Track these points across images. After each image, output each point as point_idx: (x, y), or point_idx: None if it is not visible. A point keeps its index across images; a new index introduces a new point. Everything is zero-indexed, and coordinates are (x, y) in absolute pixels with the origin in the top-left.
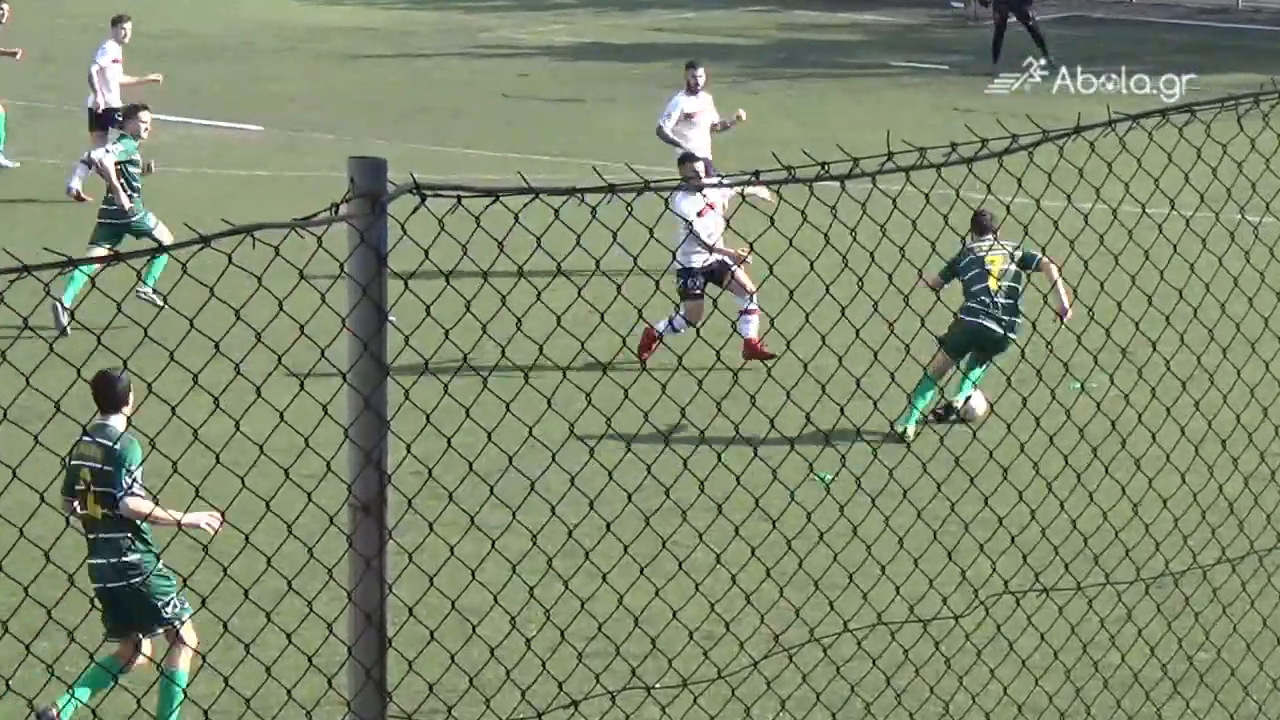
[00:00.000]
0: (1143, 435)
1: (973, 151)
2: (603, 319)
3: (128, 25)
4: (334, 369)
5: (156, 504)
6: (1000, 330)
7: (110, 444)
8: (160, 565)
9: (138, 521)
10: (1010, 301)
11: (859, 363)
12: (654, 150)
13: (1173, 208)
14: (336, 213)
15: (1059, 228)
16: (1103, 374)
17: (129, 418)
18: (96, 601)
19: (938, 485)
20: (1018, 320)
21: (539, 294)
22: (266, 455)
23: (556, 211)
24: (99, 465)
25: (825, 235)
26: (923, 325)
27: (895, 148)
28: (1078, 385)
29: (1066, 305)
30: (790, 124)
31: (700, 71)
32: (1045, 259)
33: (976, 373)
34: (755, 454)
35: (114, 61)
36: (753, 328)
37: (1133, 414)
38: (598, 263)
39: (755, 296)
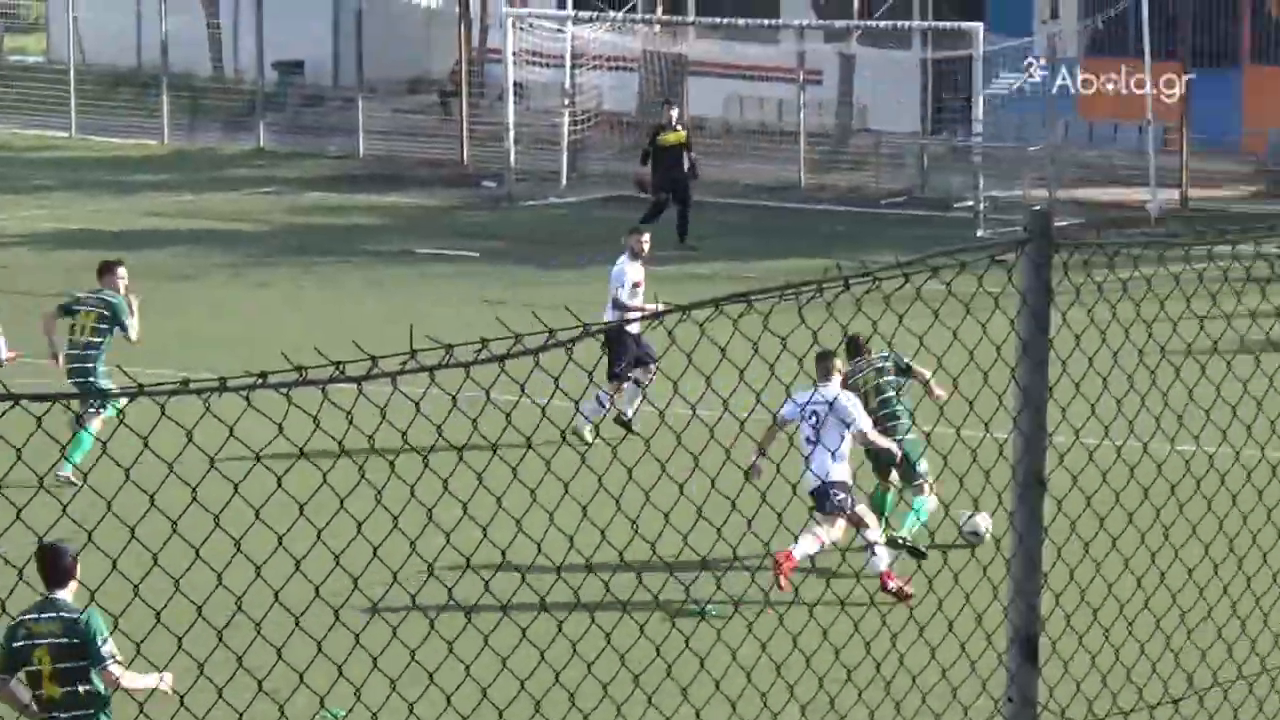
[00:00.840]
0: None
1: (506, 348)
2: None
3: None
4: None
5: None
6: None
7: (73, 617)
8: None
9: (104, 694)
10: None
11: None
12: (146, 347)
13: (725, 409)
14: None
15: (599, 432)
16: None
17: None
18: None
19: None
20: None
21: None
22: None
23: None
24: (61, 641)
25: (340, 444)
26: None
27: (419, 344)
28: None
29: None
30: (301, 318)
31: (647, 237)
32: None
33: (918, 501)
34: None
35: None
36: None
37: None
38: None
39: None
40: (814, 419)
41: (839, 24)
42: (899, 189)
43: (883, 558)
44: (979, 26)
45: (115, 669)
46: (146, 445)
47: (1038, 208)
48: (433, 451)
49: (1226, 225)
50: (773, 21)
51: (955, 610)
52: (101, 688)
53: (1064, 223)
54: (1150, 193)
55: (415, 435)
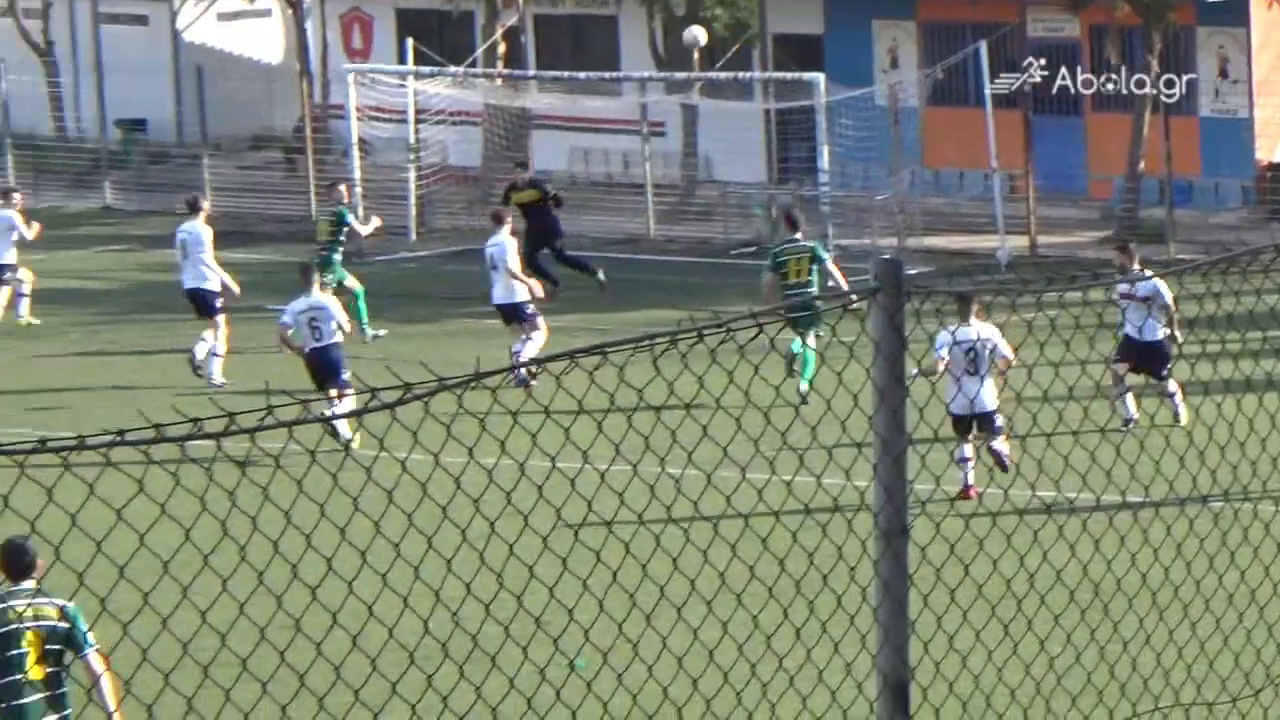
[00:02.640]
0: None
1: (363, 403)
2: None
3: None
4: None
5: None
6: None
7: (62, 602)
8: None
9: (64, 680)
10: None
11: None
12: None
13: (585, 461)
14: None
15: (460, 485)
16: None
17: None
18: None
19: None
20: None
21: None
22: None
23: None
24: (54, 624)
25: (201, 500)
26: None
27: (275, 400)
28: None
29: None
30: (157, 375)
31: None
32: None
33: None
34: None
35: None
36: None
37: None
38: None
39: None
40: (971, 353)
41: (680, 76)
42: (748, 239)
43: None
44: (819, 77)
45: (99, 654)
46: (6, 504)
47: (888, 256)
48: (293, 507)
49: (1076, 271)
50: (614, 75)
51: (825, 659)
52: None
53: (914, 271)
54: (998, 240)
55: (275, 491)
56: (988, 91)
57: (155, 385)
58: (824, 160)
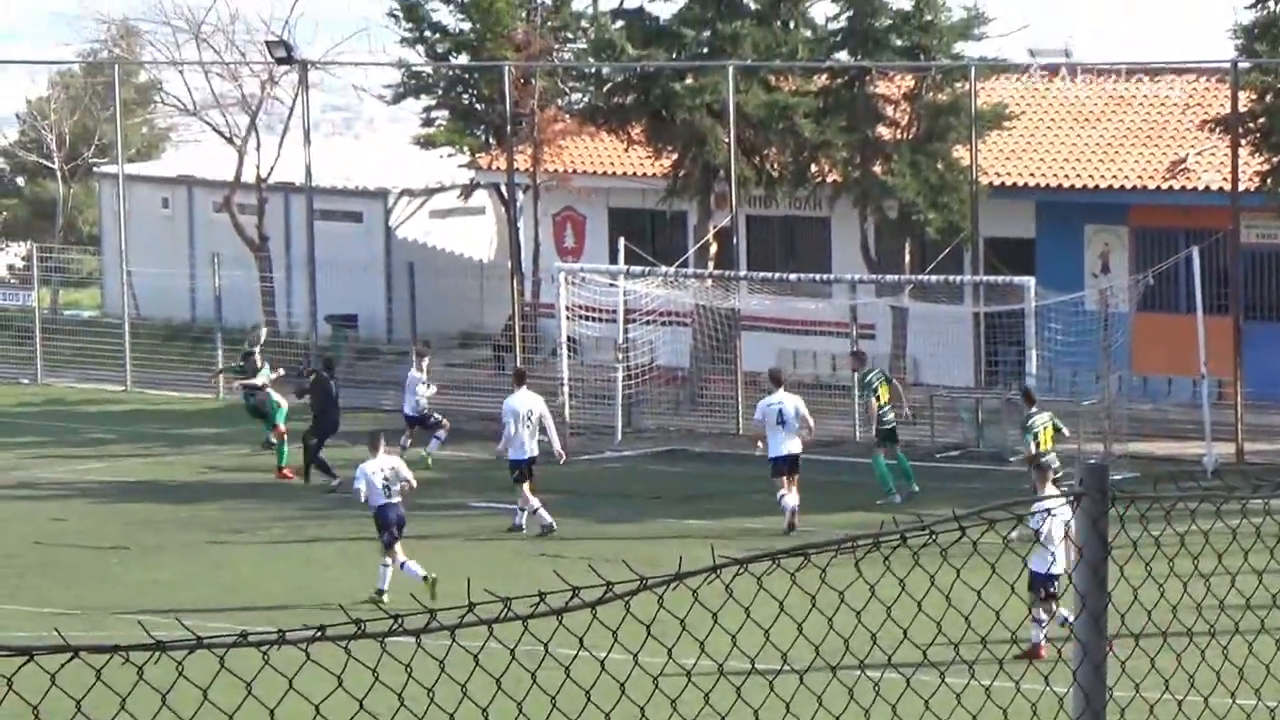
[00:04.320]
0: None
1: (564, 601)
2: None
3: None
4: None
5: None
6: None
7: None
8: None
9: None
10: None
11: None
12: (198, 600)
13: (784, 662)
14: None
15: (658, 685)
16: None
17: None
18: None
19: None
20: None
21: None
22: None
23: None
24: None
25: (399, 696)
26: None
27: (476, 596)
28: None
29: None
30: (357, 571)
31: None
32: None
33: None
34: None
35: None
36: None
37: None
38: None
39: None
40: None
41: (891, 278)
42: (954, 442)
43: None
44: (1030, 280)
45: None
46: (206, 698)
47: (1093, 461)
48: (491, 705)
49: None
50: (825, 276)
51: None
52: None
53: (1119, 476)
54: (1205, 446)
55: (474, 689)
56: (1199, 297)
57: (356, 581)
58: (1032, 364)
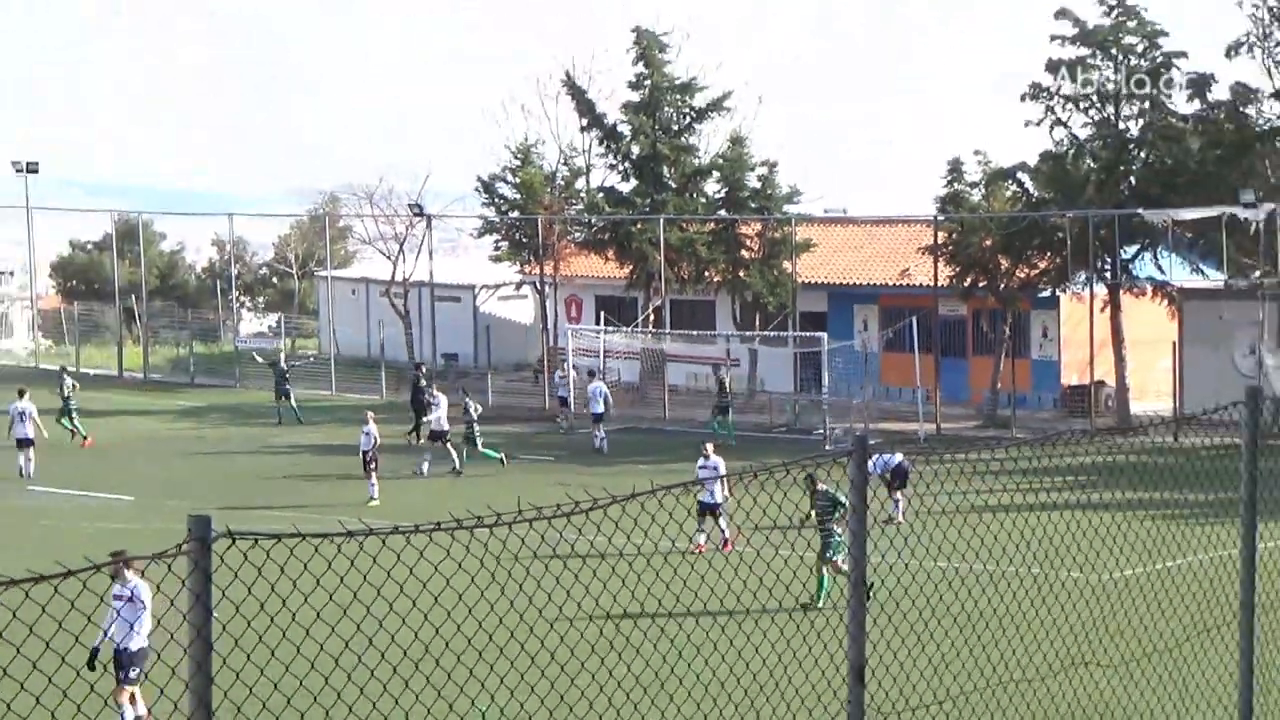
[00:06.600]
0: None
1: (572, 506)
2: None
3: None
4: None
5: None
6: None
7: None
8: None
9: None
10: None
11: None
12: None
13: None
14: (181, 549)
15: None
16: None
17: None
18: None
19: None
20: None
21: None
22: None
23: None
24: None
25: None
26: None
27: (524, 508)
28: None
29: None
30: (471, 489)
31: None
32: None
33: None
34: None
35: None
36: None
37: None
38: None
39: None
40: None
41: (749, 334)
42: (780, 423)
43: None
44: (824, 335)
45: None
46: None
47: (859, 433)
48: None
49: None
50: (712, 333)
51: None
52: None
53: (874, 442)
54: (919, 426)
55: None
56: (915, 344)
57: (475, 494)
58: (825, 381)
